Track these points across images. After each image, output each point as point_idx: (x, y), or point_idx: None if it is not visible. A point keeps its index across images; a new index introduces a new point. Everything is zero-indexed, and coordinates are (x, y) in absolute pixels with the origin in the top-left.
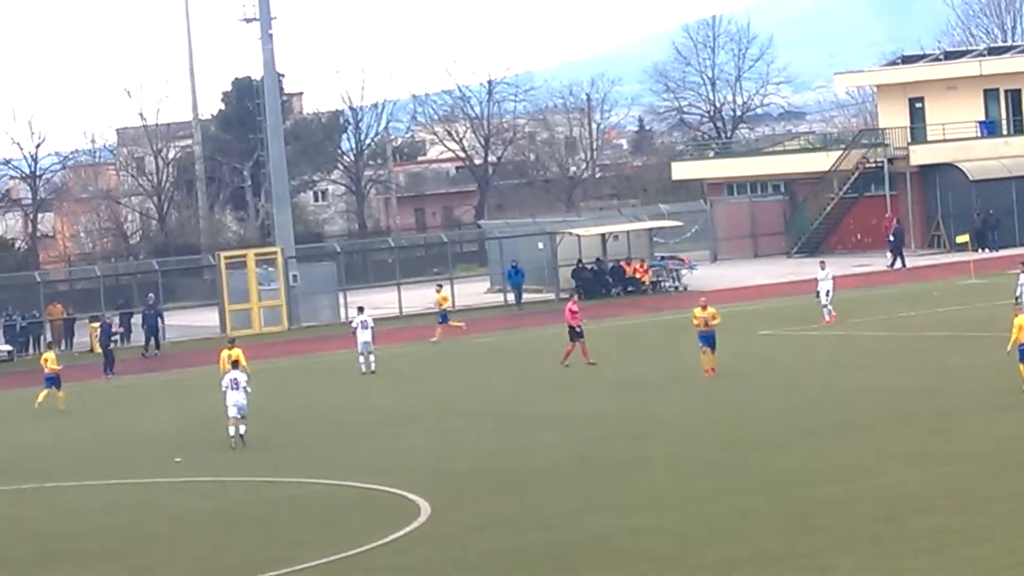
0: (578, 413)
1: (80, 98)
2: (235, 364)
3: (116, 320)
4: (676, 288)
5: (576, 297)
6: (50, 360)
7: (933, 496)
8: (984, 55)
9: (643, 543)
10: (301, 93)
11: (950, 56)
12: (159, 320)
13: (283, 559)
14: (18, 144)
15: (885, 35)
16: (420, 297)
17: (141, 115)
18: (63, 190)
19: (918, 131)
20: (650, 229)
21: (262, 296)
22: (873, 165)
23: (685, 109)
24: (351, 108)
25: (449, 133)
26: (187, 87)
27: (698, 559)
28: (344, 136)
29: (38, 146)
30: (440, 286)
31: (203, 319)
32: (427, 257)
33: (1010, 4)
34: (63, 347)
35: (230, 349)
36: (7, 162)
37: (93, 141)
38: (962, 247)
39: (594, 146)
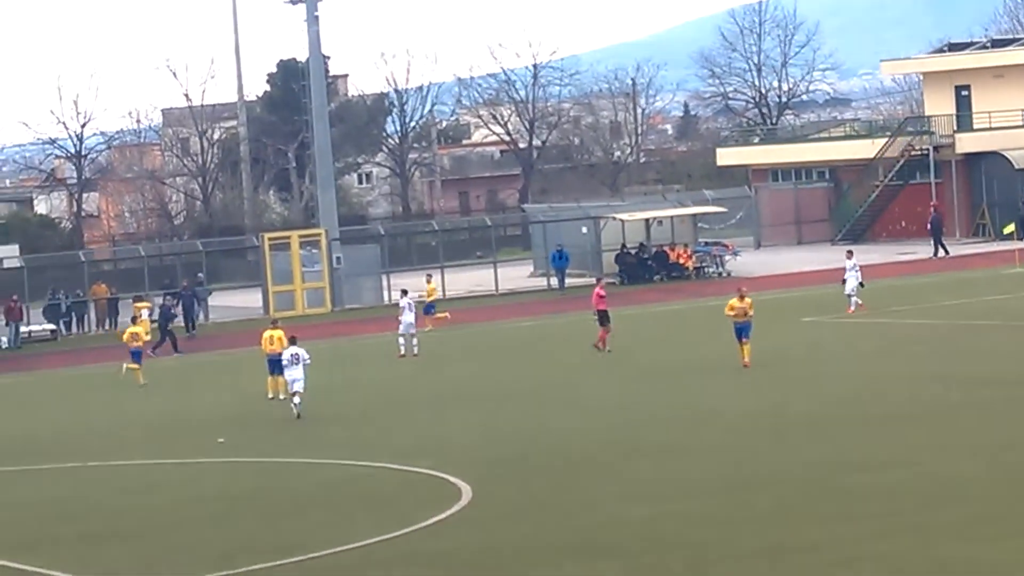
0: (620, 398)
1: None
2: (293, 340)
3: (174, 301)
4: (719, 274)
5: (603, 282)
6: (139, 335)
7: (974, 485)
8: None
9: (684, 529)
10: (346, 75)
11: (997, 44)
12: (195, 302)
13: (324, 541)
14: (64, 124)
15: (932, 22)
16: (464, 280)
17: (186, 96)
18: (108, 170)
19: (964, 119)
20: (694, 215)
21: (306, 278)
22: (918, 153)
23: (730, 95)
24: (396, 91)
25: (494, 116)
26: (233, 68)
27: (739, 546)
28: (389, 119)
29: (83, 126)
30: (430, 276)
31: (247, 300)
32: (471, 240)
33: None
34: (107, 327)
35: (272, 330)
36: (53, 142)
37: (138, 121)
38: (1007, 236)
39: (639, 131)
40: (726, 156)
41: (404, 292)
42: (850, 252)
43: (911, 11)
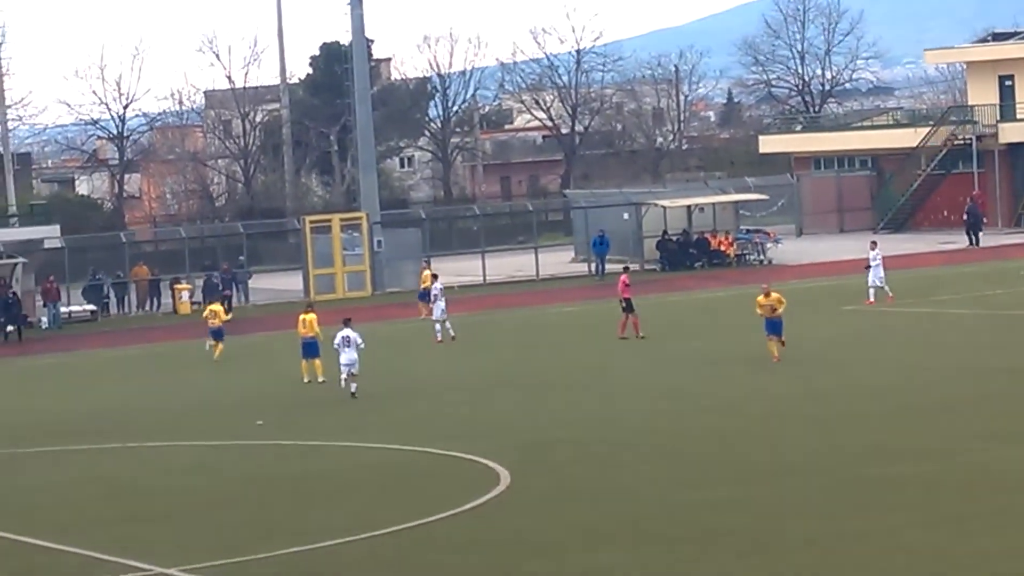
0: (661, 385)
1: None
2: (347, 322)
3: (218, 281)
4: (761, 262)
5: (629, 271)
6: (219, 313)
7: (1016, 476)
8: None
9: (725, 517)
10: (389, 59)
11: None
12: (235, 285)
13: (362, 524)
14: (106, 105)
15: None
16: (505, 265)
17: (229, 78)
18: (150, 151)
19: (1007, 109)
20: (736, 202)
21: (346, 261)
22: (961, 142)
23: (773, 82)
24: (439, 75)
25: (536, 102)
26: (276, 51)
27: (780, 534)
28: (431, 103)
29: (126, 107)
30: (427, 263)
31: (287, 283)
32: (512, 225)
33: None
34: (148, 308)
35: (306, 313)
36: (95, 123)
37: (181, 103)
38: None
39: (681, 118)
40: (768, 144)
41: (435, 277)
42: (874, 243)
43: (955, 0)
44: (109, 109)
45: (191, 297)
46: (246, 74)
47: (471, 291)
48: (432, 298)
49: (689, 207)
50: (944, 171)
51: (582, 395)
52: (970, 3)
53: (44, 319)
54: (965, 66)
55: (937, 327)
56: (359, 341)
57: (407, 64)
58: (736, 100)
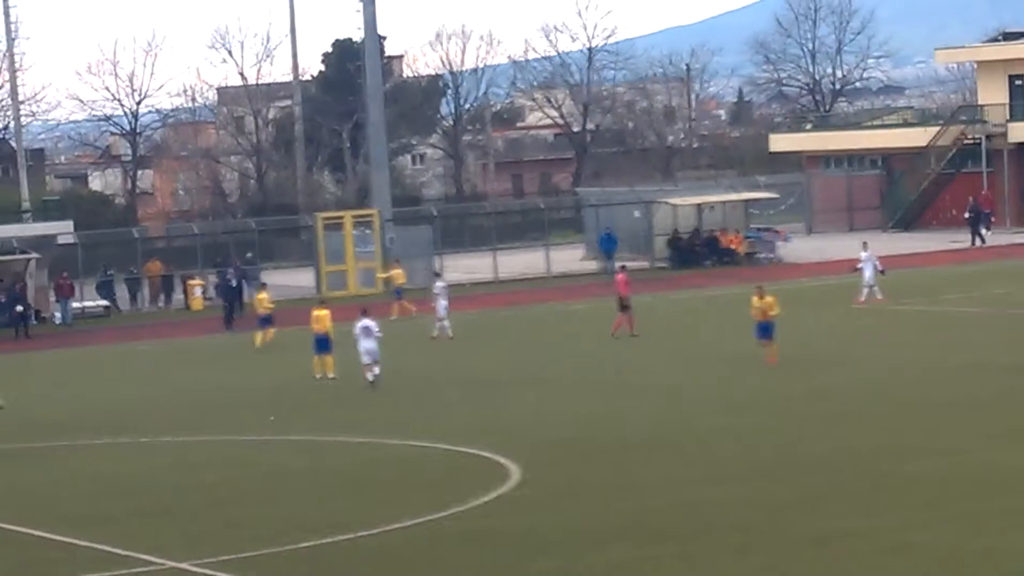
0: (669, 383)
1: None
2: (364, 312)
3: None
4: (770, 260)
5: (626, 272)
6: (264, 301)
7: (1020, 474)
8: None
9: (733, 514)
10: (402, 56)
11: None
12: (244, 282)
13: (373, 519)
14: (119, 101)
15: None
16: (516, 262)
17: (242, 75)
18: (163, 147)
19: (1017, 108)
20: (746, 200)
21: (358, 258)
22: (971, 141)
23: (784, 81)
24: (451, 72)
25: (548, 100)
26: (288, 48)
27: (787, 532)
28: (443, 100)
29: (139, 103)
30: (397, 260)
31: (299, 279)
32: (523, 223)
33: None
34: (160, 303)
35: (319, 310)
36: (108, 118)
37: (193, 99)
38: None
39: (692, 116)
40: (779, 142)
41: (437, 275)
42: (865, 243)
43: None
44: (122, 105)
45: (204, 293)
46: (258, 71)
47: (482, 288)
48: (435, 296)
49: (699, 205)
50: (953, 170)
51: (592, 392)
52: (982, 3)
53: (57, 315)
54: (975, 65)
55: (946, 325)
56: (377, 331)
57: (419, 61)
58: (747, 99)
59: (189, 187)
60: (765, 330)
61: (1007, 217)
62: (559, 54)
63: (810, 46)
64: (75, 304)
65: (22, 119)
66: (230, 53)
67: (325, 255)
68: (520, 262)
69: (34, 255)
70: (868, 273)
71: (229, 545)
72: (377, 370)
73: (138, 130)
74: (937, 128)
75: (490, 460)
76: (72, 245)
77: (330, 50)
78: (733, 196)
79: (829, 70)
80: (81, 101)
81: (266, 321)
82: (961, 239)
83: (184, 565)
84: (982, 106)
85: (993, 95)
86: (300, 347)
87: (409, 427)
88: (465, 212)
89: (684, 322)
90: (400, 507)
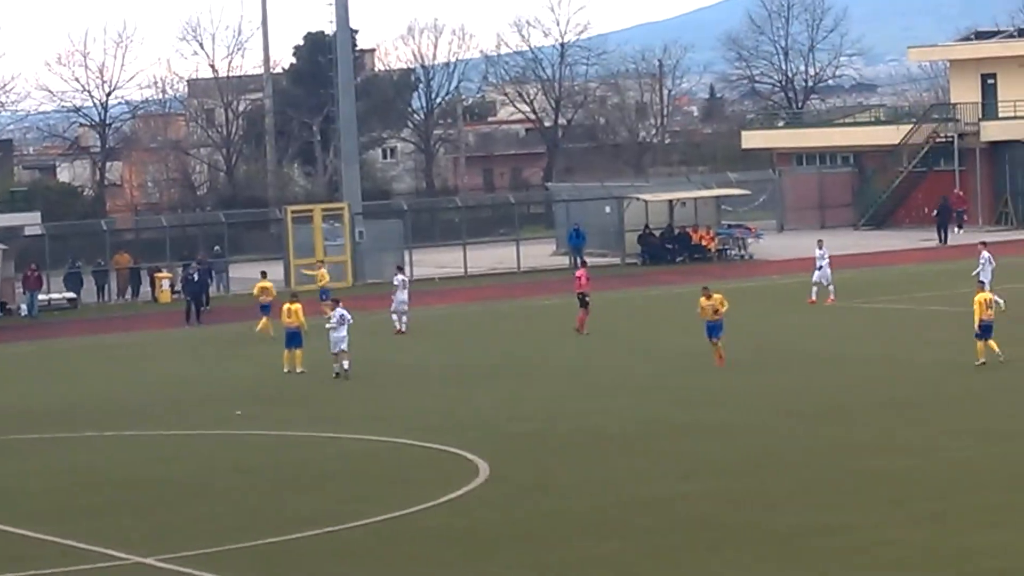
0: (640, 378)
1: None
2: (337, 302)
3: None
4: (742, 257)
5: (587, 268)
6: (268, 289)
7: (994, 472)
8: None
9: (703, 509)
10: (373, 50)
11: None
12: (210, 277)
13: (340, 515)
14: (88, 92)
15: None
16: (486, 257)
17: (213, 67)
18: (132, 139)
19: (989, 107)
20: (718, 197)
21: (328, 251)
22: (943, 140)
23: (757, 78)
24: (423, 66)
25: (520, 94)
26: (260, 40)
27: (757, 527)
28: (415, 94)
29: (108, 94)
30: (321, 262)
31: (269, 273)
32: (494, 218)
33: None
34: (128, 296)
35: (291, 303)
36: (77, 110)
37: (164, 91)
38: None
39: (664, 112)
40: (751, 139)
41: (400, 268)
42: (820, 241)
43: None
44: (92, 96)
45: (172, 286)
46: (229, 63)
47: (452, 283)
48: (394, 288)
49: (671, 201)
50: (925, 168)
51: (561, 388)
52: (954, 1)
53: (24, 306)
54: (948, 64)
55: (914, 323)
56: (350, 319)
57: (391, 55)
58: (719, 95)
59: (158, 179)
60: (715, 329)
61: (979, 216)
62: (531, 49)
63: (783, 43)
64: (41, 296)
65: None
66: (201, 45)
67: (294, 248)
68: (490, 257)
69: (1, 246)
70: (821, 272)
71: (194, 540)
72: (347, 363)
73: (107, 121)
74: (909, 126)
75: (458, 455)
76: (40, 236)
77: (302, 43)
78: (705, 192)
79: (802, 67)
80: (50, 92)
81: (267, 309)
82: (931, 237)
83: (148, 560)
84: (954, 104)
85: (965, 94)
86: (267, 341)
87: (377, 422)
88: (435, 207)
89: (654, 318)
90: (367, 503)
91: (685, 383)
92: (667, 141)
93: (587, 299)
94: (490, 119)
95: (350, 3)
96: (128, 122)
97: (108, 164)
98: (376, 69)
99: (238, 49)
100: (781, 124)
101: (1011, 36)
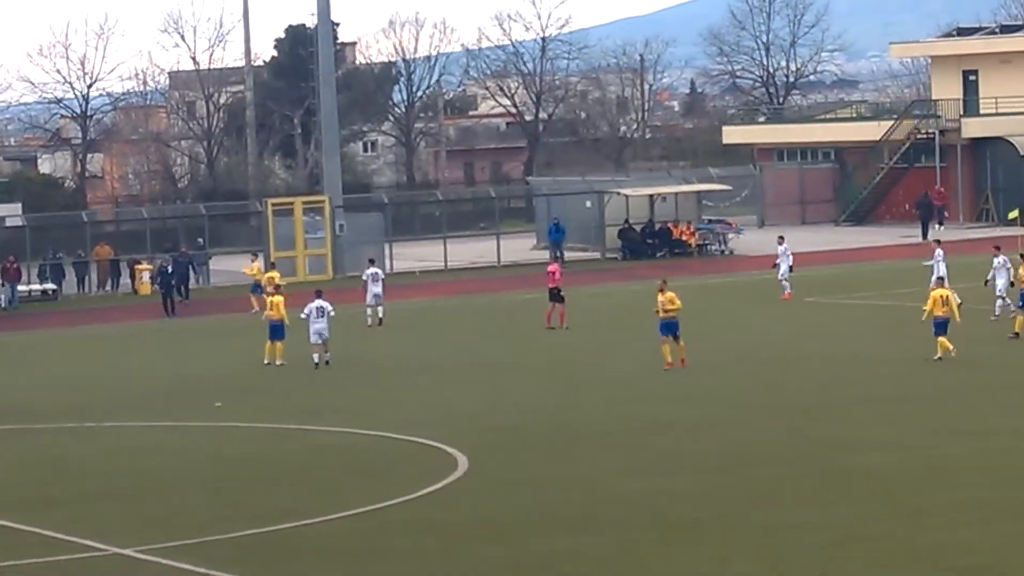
0: (619, 374)
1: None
2: (319, 294)
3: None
4: (722, 252)
5: (560, 263)
6: (275, 278)
7: (972, 470)
8: None
9: (681, 506)
10: (355, 43)
11: (1005, 30)
12: (190, 269)
13: (318, 508)
14: (70, 84)
15: (941, 6)
16: (467, 251)
17: (194, 59)
18: (113, 131)
19: (971, 104)
20: (698, 192)
21: (308, 244)
22: (924, 136)
23: (738, 73)
24: (404, 60)
25: (501, 88)
26: (241, 33)
27: (736, 524)
28: (396, 88)
29: (90, 86)
30: (255, 256)
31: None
32: (475, 212)
33: None
34: (108, 288)
35: (273, 296)
36: (58, 101)
37: (145, 83)
38: (1012, 222)
39: (645, 107)
40: (732, 134)
41: (371, 261)
42: (781, 237)
43: None
44: (73, 88)
45: (152, 278)
46: (211, 56)
47: (432, 276)
48: (364, 283)
49: (652, 196)
50: (907, 165)
51: (541, 382)
52: None
53: (2, 298)
54: (930, 60)
55: (893, 320)
56: (331, 310)
57: (372, 48)
58: (700, 90)
59: (139, 171)
60: (670, 327)
61: (960, 213)
62: (512, 43)
63: (764, 39)
64: (21, 288)
65: None
66: (182, 37)
67: (275, 241)
68: (471, 251)
69: None
70: (784, 268)
71: (173, 531)
72: (328, 355)
73: (89, 113)
74: (890, 122)
75: (437, 449)
76: (20, 228)
77: (283, 36)
78: (685, 187)
79: (783, 63)
80: (32, 83)
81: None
82: (912, 234)
83: (127, 551)
84: (936, 101)
85: (947, 90)
86: (247, 333)
87: (357, 415)
88: (416, 200)
89: (634, 313)
90: (346, 495)
91: (664, 378)
92: (648, 136)
93: (561, 294)
94: (471, 113)
95: None
96: (109, 114)
97: (89, 156)
98: (357, 62)
99: (219, 41)
100: (762, 120)
101: (993, 33)
